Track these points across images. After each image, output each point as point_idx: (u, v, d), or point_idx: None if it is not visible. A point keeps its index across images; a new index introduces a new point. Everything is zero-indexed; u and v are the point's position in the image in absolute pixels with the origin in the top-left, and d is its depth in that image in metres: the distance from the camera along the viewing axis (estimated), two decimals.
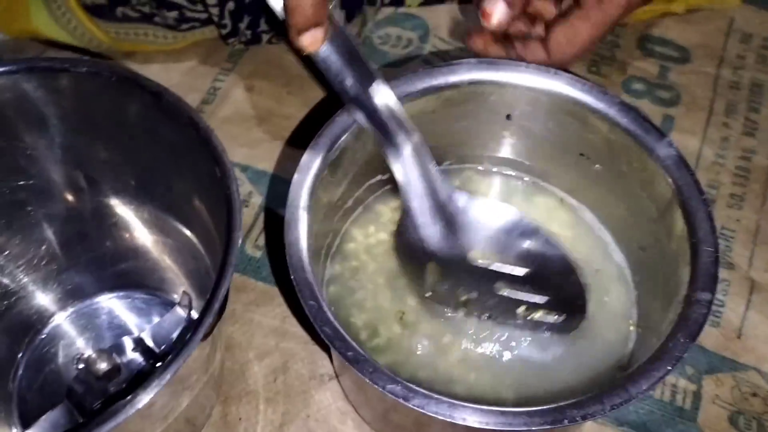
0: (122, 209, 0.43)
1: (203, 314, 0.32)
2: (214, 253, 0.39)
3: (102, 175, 0.41)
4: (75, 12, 0.55)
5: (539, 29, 0.44)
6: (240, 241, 0.31)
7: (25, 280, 0.43)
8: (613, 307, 0.43)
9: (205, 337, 0.34)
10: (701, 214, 0.37)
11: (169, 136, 0.36)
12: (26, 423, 0.41)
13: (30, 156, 0.39)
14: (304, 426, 0.45)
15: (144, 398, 0.29)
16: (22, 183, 0.40)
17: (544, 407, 0.32)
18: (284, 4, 0.36)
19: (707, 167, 0.55)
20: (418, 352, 0.42)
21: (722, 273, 0.50)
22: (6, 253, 0.42)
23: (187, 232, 0.41)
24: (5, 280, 0.42)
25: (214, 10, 0.54)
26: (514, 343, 0.42)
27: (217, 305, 0.30)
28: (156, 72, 0.58)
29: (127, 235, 0.44)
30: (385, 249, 0.46)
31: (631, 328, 0.43)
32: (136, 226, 0.43)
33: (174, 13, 0.55)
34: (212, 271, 0.40)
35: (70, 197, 0.42)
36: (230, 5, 0.54)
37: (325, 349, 0.47)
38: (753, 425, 0.45)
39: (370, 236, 0.47)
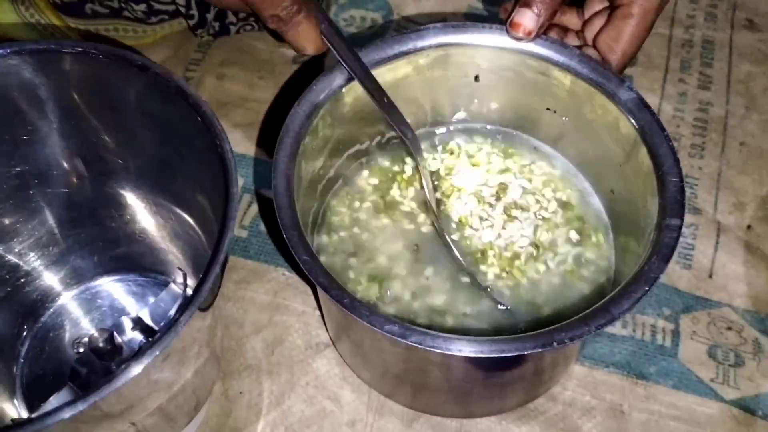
0: (119, 192, 0.44)
1: (201, 283, 0.32)
2: (209, 233, 0.40)
3: (99, 157, 0.42)
4: (44, 12, 0.56)
5: (572, 40, 0.45)
6: (238, 194, 0.32)
7: (31, 261, 0.44)
8: (595, 251, 0.46)
9: (206, 308, 0.35)
10: (664, 149, 0.39)
11: (160, 111, 0.37)
12: (30, 403, 0.41)
13: (30, 140, 0.40)
14: (303, 393, 0.46)
15: (137, 368, 0.30)
16: (22, 168, 0.41)
17: (534, 332, 0.33)
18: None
19: (668, 121, 0.58)
20: (410, 297, 0.44)
21: (690, 218, 0.53)
22: (12, 234, 0.43)
23: (183, 213, 0.42)
24: (13, 260, 0.43)
25: (181, 0, 0.55)
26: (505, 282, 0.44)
27: (217, 268, 0.31)
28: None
29: (125, 219, 0.44)
30: (367, 216, 0.48)
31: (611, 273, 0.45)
32: (134, 209, 0.44)
33: (142, 6, 0.56)
34: (208, 249, 0.41)
35: (69, 180, 0.42)
36: None
37: (322, 317, 0.48)
38: (730, 356, 0.48)
39: (352, 208, 0.48)
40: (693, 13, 0.64)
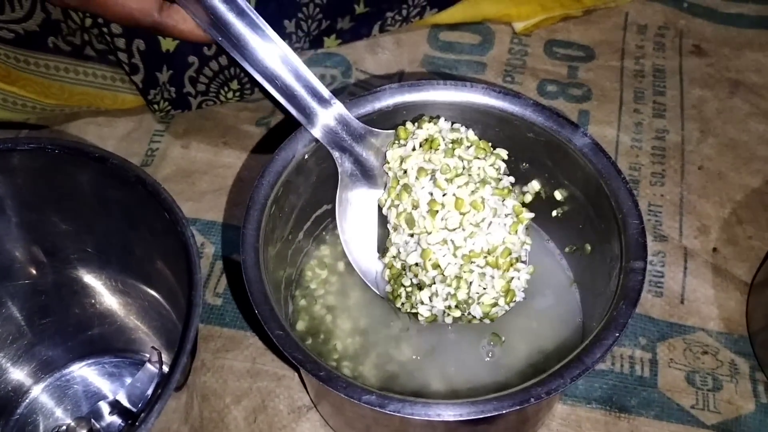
0: (83, 277, 0.43)
1: (174, 363, 0.32)
2: (178, 307, 0.40)
3: (60, 246, 0.42)
4: None
5: None
6: (202, 282, 0.32)
7: None
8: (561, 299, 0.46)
9: (179, 387, 0.35)
10: (623, 192, 0.40)
11: (119, 198, 0.37)
12: None
13: None
14: None
15: None
16: None
17: (510, 390, 0.34)
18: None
19: (626, 152, 0.59)
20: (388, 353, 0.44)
21: (656, 245, 0.54)
22: None
23: (150, 291, 0.43)
24: None
25: (120, 43, 0.53)
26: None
27: (188, 346, 0.32)
28: (92, 141, 0.59)
29: (92, 302, 0.44)
30: (340, 274, 0.48)
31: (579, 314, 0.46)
32: (99, 292, 0.44)
33: (102, 46, 0.55)
34: (179, 323, 0.41)
35: (31, 272, 0.42)
36: (139, 43, 0.53)
37: (301, 380, 0.48)
38: (708, 380, 0.48)
39: (324, 267, 0.49)
40: (642, 43, 0.66)
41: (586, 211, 0.43)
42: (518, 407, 0.33)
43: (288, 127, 0.60)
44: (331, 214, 0.49)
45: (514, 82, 0.64)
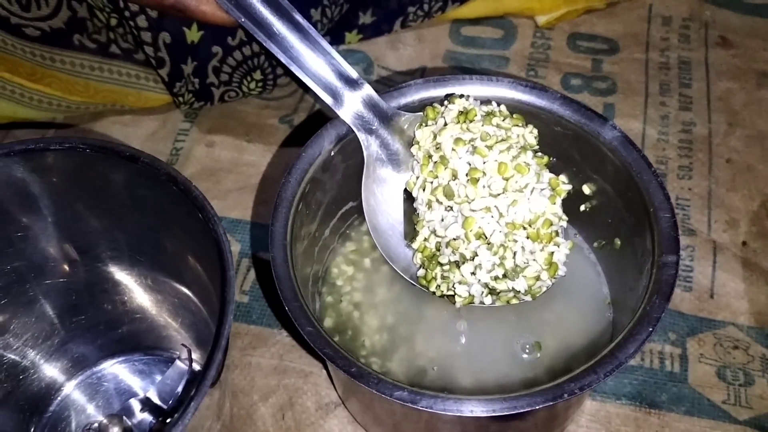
0: (116, 275, 0.44)
1: (210, 359, 0.32)
2: (209, 304, 0.40)
3: (93, 244, 0.42)
4: (12, 80, 0.55)
5: None
6: (235, 276, 0.32)
7: (32, 355, 0.44)
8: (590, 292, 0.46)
9: (213, 384, 0.35)
10: (654, 185, 0.40)
11: (150, 196, 0.37)
12: None
13: (24, 236, 0.40)
14: None
15: None
16: (17, 264, 0.41)
17: (544, 386, 0.33)
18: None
19: (653, 145, 0.59)
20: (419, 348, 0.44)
21: (686, 240, 0.53)
22: (10, 331, 0.43)
23: (182, 288, 0.43)
24: (13, 357, 0.43)
25: (146, 36, 0.53)
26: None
27: (223, 342, 0.32)
28: (117, 140, 0.59)
29: (123, 299, 0.44)
30: (366, 271, 0.48)
31: (608, 309, 0.45)
32: (131, 289, 0.44)
33: (130, 39, 0.55)
34: (210, 320, 0.42)
35: (64, 270, 0.42)
36: (165, 36, 0.54)
37: (329, 377, 0.48)
38: (740, 375, 0.48)
39: (351, 264, 0.49)
40: (666, 35, 0.65)
41: (616, 205, 0.43)
42: (551, 403, 0.33)
43: (311, 124, 0.61)
44: (357, 210, 0.49)
45: (537, 76, 0.63)
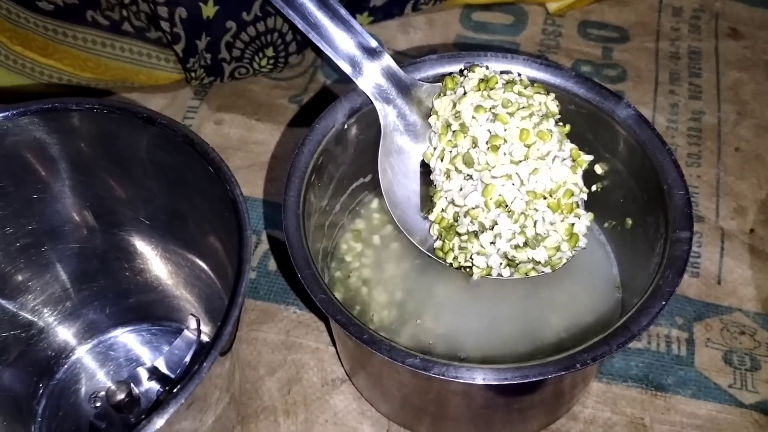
0: (131, 242, 0.44)
1: (221, 327, 0.32)
2: (224, 277, 0.40)
3: (109, 209, 0.42)
4: (24, 54, 0.55)
5: None
6: (251, 237, 0.32)
7: (45, 317, 0.44)
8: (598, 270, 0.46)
9: (224, 353, 0.35)
10: (667, 163, 0.40)
11: (168, 160, 0.37)
12: None
13: (42, 198, 0.40)
14: (323, 431, 0.46)
15: (159, 421, 0.30)
16: (34, 225, 0.41)
17: (556, 357, 0.33)
18: None
19: (662, 132, 0.59)
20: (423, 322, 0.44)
21: (694, 226, 0.53)
22: (26, 290, 0.43)
23: (197, 259, 0.43)
24: (27, 317, 0.43)
25: (162, 11, 0.53)
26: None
27: (237, 312, 0.31)
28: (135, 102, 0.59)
29: (137, 268, 0.44)
30: (375, 247, 0.48)
31: (617, 290, 0.45)
32: (146, 258, 0.44)
33: (143, 17, 0.55)
34: (223, 293, 0.42)
35: (80, 235, 0.42)
36: (181, 11, 0.53)
37: (336, 353, 0.48)
38: (746, 360, 0.48)
39: (360, 240, 0.49)
40: (677, 25, 0.65)
41: (628, 184, 0.43)
42: (563, 372, 0.33)
43: (320, 104, 0.60)
44: (367, 187, 0.49)
45: None
